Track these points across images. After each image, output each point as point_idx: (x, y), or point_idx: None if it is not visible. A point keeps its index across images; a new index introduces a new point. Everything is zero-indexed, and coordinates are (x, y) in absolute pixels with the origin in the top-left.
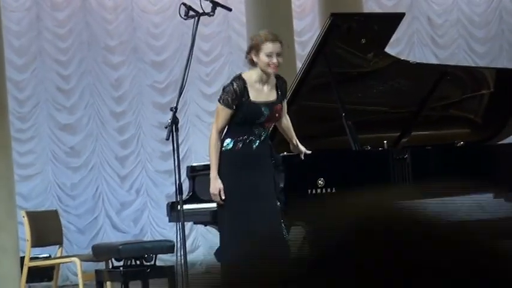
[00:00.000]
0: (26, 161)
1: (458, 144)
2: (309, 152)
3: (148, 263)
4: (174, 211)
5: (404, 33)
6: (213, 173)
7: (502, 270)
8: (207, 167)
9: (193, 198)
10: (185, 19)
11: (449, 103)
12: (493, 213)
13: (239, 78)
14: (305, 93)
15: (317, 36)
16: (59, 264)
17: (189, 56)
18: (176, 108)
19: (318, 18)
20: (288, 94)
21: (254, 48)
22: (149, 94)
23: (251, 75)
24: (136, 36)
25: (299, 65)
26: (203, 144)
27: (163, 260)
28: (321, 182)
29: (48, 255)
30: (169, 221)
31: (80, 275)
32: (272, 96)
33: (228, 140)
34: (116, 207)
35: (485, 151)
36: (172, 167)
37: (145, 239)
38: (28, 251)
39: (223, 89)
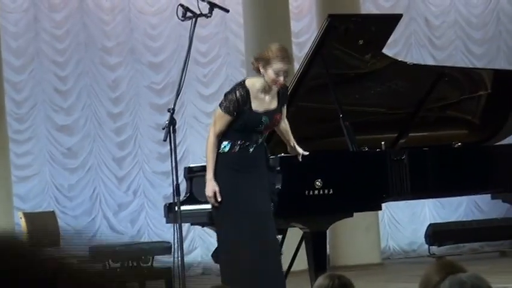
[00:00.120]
0: (23, 162)
1: (456, 145)
2: (306, 153)
3: (145, 265)
4: (171, 212)
5: (402, 35)
6: (209, 175)
7: None
8: (204, 168)
9: (190, 200)
10: (182, 20)
11: (447, 104)
12: (490, 214)
13: (242, 86)
14: (302, 94)
15: (314, 38)
16: None
17: (186, 57)
18: (173, 109)
19: (315, 19)
20: None
21: (264, 60)
22: (146, 95)
23: (254, 84)
24: (133, 37)
25: (296, 66)
26: (200, 145)
27: (160, 261)
28: (318, 183)
29: None
30: (167, 222)
31: None
32: (273, 104)
33: (225, 143)
34: (113, 209)
35: (482, 152)
36: (170, 168)
37: (142, 240)
38: None
39: (226, 95)
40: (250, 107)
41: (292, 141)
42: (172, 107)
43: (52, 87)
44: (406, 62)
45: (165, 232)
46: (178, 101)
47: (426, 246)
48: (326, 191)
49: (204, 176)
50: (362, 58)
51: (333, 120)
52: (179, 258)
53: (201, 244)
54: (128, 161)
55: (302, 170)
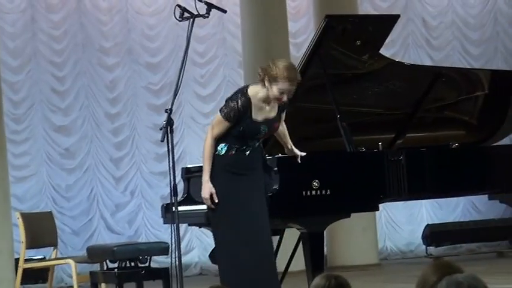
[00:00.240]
0: (20, 162)
1: (453, 146)
2: (304, 154)
3: (143, 265)
4: (168, 213)
5: (399, 35)
6: (205, 177)
7: None
8: (202, 169)
9: (188, 200)
10: (180, 21)
11: (444, 105)
12: (487, 215)
13: (245, 95)
14: (300, 94)
15: (312, 38)
16: (53, 266)
17: (183, 57)
18: (171, 109)
19: (312, 19)
20: None
21: (270, 76)
22: (144, 96)
23: (257, 93)
24: (131, 37)
25: None
26: (198, 146)
27: (158, 261)
28: (315, 183)
29: (42, 257)
30: (164, 223)
31: (74, 277)
32: (273, 112)
33: (222, 145)
34: (110, 209)
35: (480, 153)
36: (167, 168)
37: (140, 240)
38: (23, 252)
39: (227, 101)
40: (251, 115)
41: (290, 144)
42: (169, 107)
43: (49, 87)
44: (403, 63)
45: (163, 233)
46: (175, 101)
47: (423, 246)
48: (323, 192)
49: (201, 176)
50: (359, 58)
51: (330, 121)
52: (177, 259)
53: (198, 245)
54: (125, 162)
55: (299, 170)
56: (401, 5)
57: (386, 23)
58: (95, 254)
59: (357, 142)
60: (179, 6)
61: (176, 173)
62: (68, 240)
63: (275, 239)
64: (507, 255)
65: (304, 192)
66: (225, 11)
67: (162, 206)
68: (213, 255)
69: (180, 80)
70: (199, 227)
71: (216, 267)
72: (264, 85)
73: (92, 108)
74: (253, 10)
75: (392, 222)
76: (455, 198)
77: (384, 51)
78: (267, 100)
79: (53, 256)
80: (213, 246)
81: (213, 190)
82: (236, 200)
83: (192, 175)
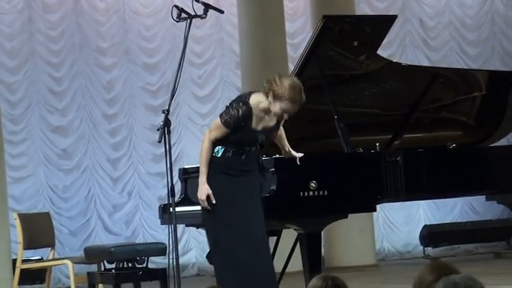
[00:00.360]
0: (18, 163)
1: (451, 147)
2: (301, 154)
3: (140, 266)
4: (166, 213)
5: (397, 36)
6: (202, 178)
7: None
8: (199, 170)
9: (185, 201)
10: (177, 21)
11: (442, 105)
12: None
13: (246, 105)
14: None
15: (309, 39)
16: (51, 266)
17: (181, 58)
18: (168, 110)
19: (310, 20)
20: None
21: (274, 93)
22: (141, 96)
23: (259, 103)
24: (128, 38)
25: (291, 67)
26: (195, 147)
27: (155, 262)
28: (313, 184)
29: (40, 257)
30: (161, 224)
31: (72, 278)
32: (272, 122)
33: (219, 147)
34: (108, 210)
35: (477, 153)
36: (164, 169)
37: (137, 241)
38: (20, 253)
39: (228, 108)
40: (250, 124)
41: (287, 147)
42: (167, 108)
43: (47, 88)
44: (400, 63)
45: (160, 233)
46: (173, 102)
47: (421, 247)
48: (321, 192)
49: (198, 177)
50: (357, 59)
51: (327, 122)
52: (174, 260)
53: (196, 245)
54: (122, 162)
55: (297, 171)
56: (398, 5)
57: (383, 23)
58: (92, 254)
59: (354, 143)
60: (176, 6)
61: (173, 173)
62: (66, 240)
63: (272, 239)
64: (504, 256)
65: (301, 193)
66: (222, 12)
67: (160, 206)
68: (210, 256)
69: (177, 81)
70: (197, 228)
71: (213, 267)
72: (267, 97)
73: (89, 108)
74: (251, 10)
75: (390, 223)
76: (452, 199)
77: (381, 51)
78: (267, 111)
79: (51, 257)
80: None
81: (210, 192)
82: (232, 200)
83: (189, 176)
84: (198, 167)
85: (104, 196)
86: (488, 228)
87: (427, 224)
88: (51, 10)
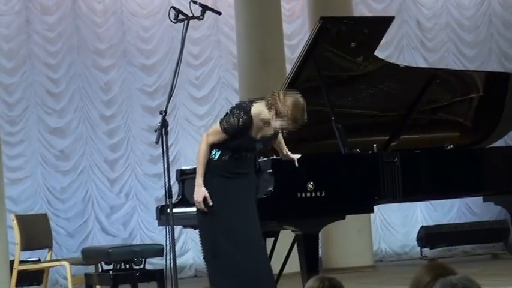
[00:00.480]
0: (15, 164)
1: (448, 148)
2: (298, 155)
3: (137, 267)
4: (163, 215)
5: (394, 37)
6: (199, 180)
7: None
8: (196, 171)
9: (182, 202)
10: (175, 23)
11: (439, 106)
12: (482, 216)
13: (247, 114)
14: None
15: (306, 40)
16: (48, 267)
17: (178, 59)
18: (166, 111)
19: (307, 21)
20: None
21: (276, 110)
22: (139, 97)
23: (260, 113)
24: (125, 39)
25: (288, 68)
26: (192, 148)
27: (152, 263)
28: (310, 185)
29: (37, 258)
30: (159, 225)
31: (69, 279)
32: (270, 131)
33: (215, 151)
34: (105, 211)
35: (474, 154)
36: (162, 170)
37: (134, 242)
38: (17, 254)
39: (229, 116)
40: (249, 133)
41: (285, 149)
42: (164, 109)
43: (44, 89)
44: (398, 65)
45: (157, 234)
46: (170, 103)
47: (418, 248)
48: (318, 194)
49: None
50: (354, 60)
51: (325, 123)
52: (171, 261)
53: (193, 246)
54: (120, 164)
55: (294, 172)
56: (395, 6)
57: (380, 24)
58: (89, 256)
59: (351, 144)
60: (174, 8)
61: (171, 174)
62: (63, 242)
63: (270, 240)
64: (502, 257)
65: (299, 194)
66: (219, 13)
67: (157, 207)
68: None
69: (174, 82)
70: (194, 229)
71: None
72: (269, 110)
73: (87, 110)
74: (248, 12)
75: (387, 224)
76: (450, 200)
77: (378, 53)
78: (267, 122)
79: (48, 258)
80: None
81: (207, 194)
82: (228, 203)
83: (186, 177)
84: (195, 168)
85: (102, 197)
86: (485, 230)
87: (425, 225)
88: (48, 12)
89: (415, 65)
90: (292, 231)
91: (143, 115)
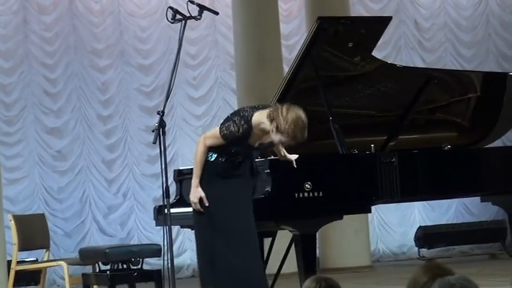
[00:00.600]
0: (12, 164)
1: (446, 148)
2: (296, 156)
3: (135, 267)
4: (161, 215)
5: (391, 37)
6: (195, 181)
7: None
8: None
9: (180, 202)
10: (172, 23)
11: (436, 107)
12: (479, 216)
13: (248, 123)
14: (292, 96)
15: (304, 40)
16: (45, 268)
17: (176, 59)
18: (163, 111)
19: (304, 21)
20: (275, 98)
21: (277, 125)
22: (136, 98)
23: (260, 123)
24: (123, 39)
25: (286, 68)
26: (190, 148)
27: (150, 263)
28: (308, 185)
29: (35, 258)
30: (156, 225)
31: (67, 279)
32: (268, 139)
33: (211, 152)
34: (103, 211)
35: (472, 154)
36: (159, 170)
37: (132, 242)
38: (15, 254)
39: (229, 123)
40: (247, 141)
41: (283, 151)
42: (162, 109)
43: (42, 89)
44: (395, 65)
45: (155, 235)
46: (167, 103)
47: (416, 248)
48: (316, 194)
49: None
50: (352, 60)
51: (322, 123)
52: (169, 261)
53: (190, 247)
54: (117, 164)
55: (291, 172)
56: (393, 6)
57: (378, 24)
58: (87, 256)
59: (349, 144)
60: (171, 8)
61: (168, 175)
62: (60, 242)
63: (267, 240)
64: (499, 257)
65: (296, 194)
66: (217, 13)
67: (155, 208)
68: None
69: (172, 82)
70: (192, 229)
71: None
72: (270, 122)
73: (84, 110)
74: (245, 12)
75: (385, 224)
76: (447, 200)
77: (376, 53)
78: (266, 132)
79: (45, 258)
80: None
81: (203, 194)
82: (223, 203)
83: (184, 177)
84: (193, 168)
85: (99, 197)
86: (483, 230)
87: (422, 225)
88: (46, 11)
89: (412, 65)
90: (290, 231)
91: (141, 115)
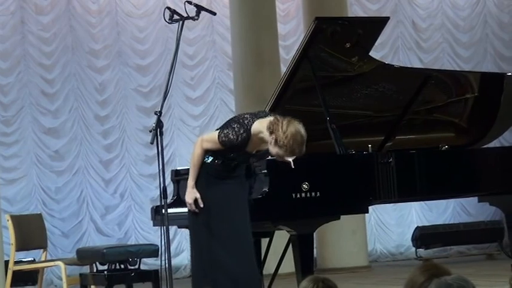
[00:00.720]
0: (10, 164)
1: (443, 148)
2: (294, 156)
3: (132, 267)
4: (158, 215)
5: (389, 37)
6: (191, 182)
7: None
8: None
9: (177, 202)
10: (169, 23)
11: (434, 107)
12: (477, 217)
13: (247, 131)
14: (289, 97)
15: (301, 40)
16: (43, 268)
17: (173, 60)
18: (161, 112)
19: (302, 22)
20: (273, 98)
21: (276, 138)
22: (133, 98)
23: (259, 132)
24: (120, 40)
25: (283, 69)
26: (187, 148)
27: (147, 264)
28: (305, 186)
29: (32, 259)
30: (154, 225)
31: (64, 279)
32: (265, 146)
33: (208, 155)
34: (100, 211)
35: (470, 155)
36: (157, 170)
37: (129, 242)
38: (12, 254)
39: (228, 129)
40: (245, 149)
41: None
42: (159, 109)
43: (39, 90)
44: (393, 65)
45: (152, 235)
46: (165, 103)
47: (413, 249)
48: (313, 194)
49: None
50: (349, 61)
51: (320, 123)
52: (166, 261)
53: (188, 247)
54: (115, 164)
55: (289, 173)
56: (390, 7)
57: (375, 25)
58: (84, 256)
59: (346, 144)
60: (169, 8)
61: (166, 175)
62: (58, 242)
63: (265, 241)
64: (496, 257)
65: (293, 195)
66: (214, 13)
67: (152, 208)
68: None
69: (169, 82)
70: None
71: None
72: (269, 133)
73: (82, 110)
74: (243, 12)
75: (382, 225)
76: (445, 200)
77: (373, 53)
78: (264, 141)
79: (43, 258)
80: None
81: (198, 195)
82: (219, 204)
83: (181, 177)
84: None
85: (96, 198)
86: (480, 230)
87: (419, 225)
88: (43, 12)
89: (410, 66)
90: (287, 231)
91: (138, 115)
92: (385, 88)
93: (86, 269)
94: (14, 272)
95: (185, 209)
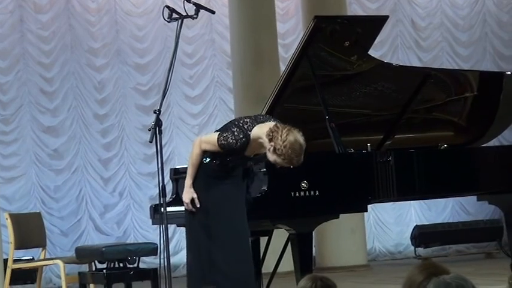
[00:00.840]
0: (9, 163)
1: (442, 147)
2: None
3: (131, 266)
4: (157, 213)
5: (388, 36)
6: (188, 182)
7: None
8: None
9: (176, 201)
10: (168, 22)
11: (433, 106)
12: (476, 216)
13: (246, 137)
14: (288, 95)
15: (300, 39)
16: (42, 266)
17: (172, 58)
18: (160, 110)
19: (301, 20)
20: (272, 97)
21: (274, 146)
22: (132, 96)
23: (258, 138)
24: (119, 38)
25: (282, 67)
26: (186, 147)
27: (146, 262)
28: (304, 184)
29: (31, 257)
30: (153, 224)
31: (63, 278)
32: (263, 150)
33: (206, 155)
34: (99, 210)
35: (469, 154)
36: (156, 169)
37: (128, 241)
38: (11, 253)
39: (228, 133)
40: (243, 152)
41: None
42: (158, 108)
43: (38, 88)
44: (392, 64)
45: (151, 233)
46: (164, 102)
47: (412, 247)
48: (312, 193)
49: None
50: (348, 59)
51: (319, 122)
52: (165, 260)
53: None
54: (114, 162)
55: (288, 171)
56: (390, 6)
57: (375, 24)
58: (83, 254)
59: (345, 143)
60: (168, 7)
61: (165, 173)
62: (57, 241)
63: (264, 239)
64: (495, 256)
65: (292, 193)
66: (213, 12)
67: (151, 206)
68: None
69: (168, 81)
70: None
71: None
72: (268, 140)
73: (81, 109)
74: (242, 11)
75: (381, 223)
76: (444, 199)
77: (372, 52)
78: (263, 146)
79: (42, 257)
80: None
81: (195, 195)
82: (216, 203)
83: (180, 176)
84: None
85: (95, 196)
86: (479, 229)
87: (418, 224)
88: (42, 10)
89: (409, 65)
90: (286, 230)
91: (137, 114)
92: (384, 87)
93: (84, 268)
94: (13, 271)
95: (183, 208)
